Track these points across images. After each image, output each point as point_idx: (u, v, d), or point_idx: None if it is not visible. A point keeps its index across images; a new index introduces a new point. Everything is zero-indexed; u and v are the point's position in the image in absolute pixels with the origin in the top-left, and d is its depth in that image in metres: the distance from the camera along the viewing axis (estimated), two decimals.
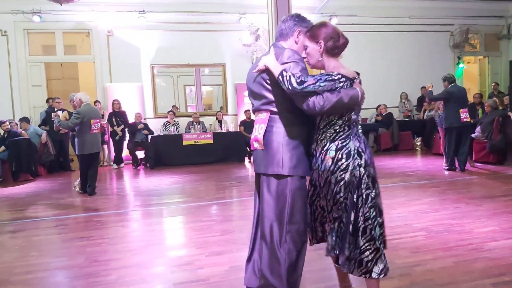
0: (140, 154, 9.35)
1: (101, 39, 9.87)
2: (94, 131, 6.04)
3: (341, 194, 2.03)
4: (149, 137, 9.30)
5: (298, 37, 2.16)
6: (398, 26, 11.43)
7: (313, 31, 2.09)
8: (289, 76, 1.95)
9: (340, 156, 2.02)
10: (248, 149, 9.89)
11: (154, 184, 7.01)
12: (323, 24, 2.10)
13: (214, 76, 10.94)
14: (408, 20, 11.43)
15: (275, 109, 2.10)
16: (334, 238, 2.10)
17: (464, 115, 6.70)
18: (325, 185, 2.08)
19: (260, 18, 10.00)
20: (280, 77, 1.98)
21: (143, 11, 9.71)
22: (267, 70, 2.07)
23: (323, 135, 2.06)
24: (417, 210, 4.43)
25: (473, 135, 7.79)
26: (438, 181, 6.19)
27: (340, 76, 1.99)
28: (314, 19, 2.32)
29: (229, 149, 9.43)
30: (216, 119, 10.17)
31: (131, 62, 10.08)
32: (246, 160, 9.84)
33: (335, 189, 2.04)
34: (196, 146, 9.22)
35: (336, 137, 2.04)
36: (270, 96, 2.10)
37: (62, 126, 6.18)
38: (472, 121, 8.16)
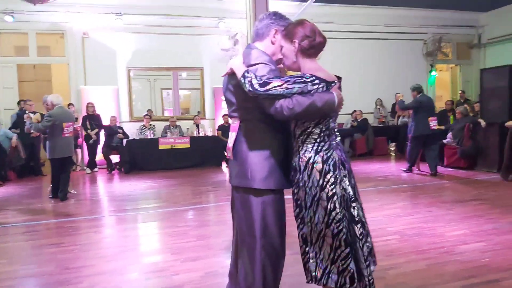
0: (115, 158, 9.19)
1: (76, 41, 9.67)
2: (66, 135, 5.90)
3: (337, 211, 1.84)
4: (124, 141, 9.16)
5: (275, 37, 1.97)
6: (374, 34, 11.66)
7: (288, 30, 1.93)
8: (251, 77, 1.78)
9: (327, 168, 1.85)
10: (225, 153, 9.88)
11: (129, 189, 6.89)
12: (299, 23, 1.92)
13: (192, 80, 10.88)
14: (384, 28, 11.69)
15: (244, 116, 1.95)
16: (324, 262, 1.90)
17: (433, 123, 7.01)
18: (313, 205, 1.87)
19: (238, 23, 10.02)
20: (242, 78, 1.81)
21: (120, 13, 9.59)
22: (233, 74, 1.91)
23: (304, 147, 1.89)
24: (391, 214, 4.51)
25: (444, 141, 8.04)
26: (411, 185, 6.32)
27: (313, 78, 1.82)
28: None
29: (207, 153, 9.38)
30: (194, 123, 10.10)
31: (106, 65, 9.91)
32: (224, 164, 9.79)
33: (329, 206, 1.84)
34: (172, 151, 9.14)
35: (319, 148, 1.88)
36: (237, 102, 1.95)
37: (33, 128, 6.01)
38: (443, 127, 8.47)
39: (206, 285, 2.81)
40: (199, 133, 9.77)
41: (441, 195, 5.66)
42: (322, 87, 1.83)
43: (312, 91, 1.81)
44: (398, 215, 4.46)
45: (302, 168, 1.88)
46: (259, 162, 1.91)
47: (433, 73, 12.35)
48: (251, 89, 1.77)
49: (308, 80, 1.81)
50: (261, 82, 1.77)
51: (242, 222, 2.00)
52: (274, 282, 2.00)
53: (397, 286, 2.65)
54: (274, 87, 1.76)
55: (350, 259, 1.86)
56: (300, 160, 1.90)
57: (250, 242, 1.95)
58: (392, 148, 10.62)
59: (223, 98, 10.68)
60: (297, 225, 1.96)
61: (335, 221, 1.85)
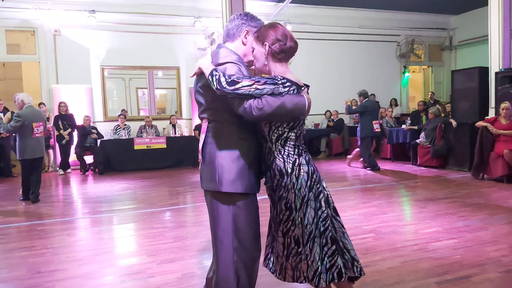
0: (89, 159, 8.99)
1: (47, 38, 9.41)
2: (37, 135, 5.72)
3: (323, 209, 1.91)
4: (99, 141, 8.97)
5: (246, 38, 1.95)
6: (349, 35, 11.84)
7: (260, 32, 1.91)
8: (219, 75, 1.74)
9: (312, 169, 1.90)
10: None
11: (103, 190, 6.75)
12: (272, 26, 1.91)
13: (168, 79, 10.76)
14: (358, 29, 11.88)
15: (213, 117, 1.90)
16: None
17: (376, 126, 7.79)
18: (302, 206, 1.88)
19: (215, 22, 9.99)
20: (209, 77, 1.76)
21: (93, 10, 9.39)
22: (202, 73, 1.87)
23: (286, 151, 1.88)
24: (366, 213, 4.58)
25: (417, 141, 8.26)
26: (385, 184, 6.44)
27: (284, 80, 1.80)
28: None
29: (183, 153, 9.30)
30: (170, 123, 9.99)
31: (79, 63, 9.69)
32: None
33: (316, 205, 1.89)
34: (148, 151, 9.02)
35: (300, 151, 1.90)
36: (205, 103, 1.91)
37: (2, 129, 5.81)
38: (416, 127, 8.71)
39: (183, 287, 2.78)
40: (175, 133, 9.68)
41: (414, 193, 5.79)
42: (293, 90, 1.82)
43: (283, 93, 1.79)
44: (373, 214, 4.53)
45: (290, 170, 1.87)
46: (227, 165, 1.86)
47: (406, 74, 12.64)
48: (219, 88, 1.73)
49: (279, 82, 1.79)
50: (229, 80, 1.72)
51: (213, 226, 1.97)
52: (249, 285, 1.98)
53: (373, 283, 2.69)
54: (243, 86, 1.72)
55: (336, 255, 1.91)
56: (285, 163, 1.88)
57: (223, 246, 1.92)
58: None
59: None
60: (287, 228, 1.92)
61: (321, 219, 1.90)
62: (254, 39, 1.92)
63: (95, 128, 9.16)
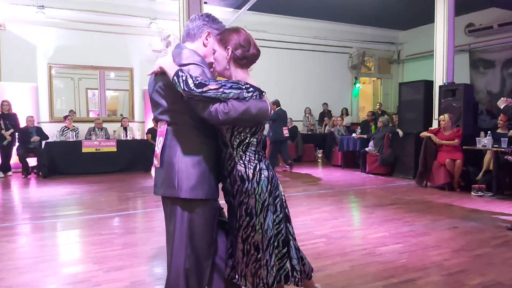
0: (32, 161, 8.50)
1: None
2: None
3: (278, 213, 1.92)
4: (43, 142, 8.51)
5: (207, 39, 1.93)
6: (304, 45, 12.11)
7: (223, 35, 1.90)
8: (186, 76, 1.70)
9: (272, 174, 1.91)
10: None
11: (47, 195, 6.40)
12: (235, 30, 1.91)
13: (121, 80, 10.44)
14: (313, 40, 12.19)
15: (173, 120, 1.85)
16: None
17: (285, 132, 8.66)
18: (263, 211, 1.87)
19: (171, 25, 9.85)
20: (175, 77, 1.71)
21: (42, 6, 8.95)
22: (162, 73, 1.81)
23: (247, 156, 1.87)
24: (318, 218, 4.67)
25: (366, 149, 8.57)
26: (336, 190, 6.61)
27: (248, 85, 1.81)
28: None
29: (135, 157, 9.04)
30: (121, 126, 9.69)
31: (25, 60, 9.19)
32: (153, 170, 9.50)
33: (273, 209, 1.91)
34: (97, 154, 8.67)
35: (260, 156, 1.90)
36: (165, 104, 1.84)
37: None
38: (366, 136, 9.04)
39: None
40: (127, 136, 9.38)
41: (363, 199, 5.99)
42: (256, 95, 1.83)
43: (247, 98, 1.79)
44: (325, 219, 4.62)
45: (251, 176, 1.85)
46: (186, 170, 1.80)
47: (357, 85, 13.12)
48: (186, 89, 1.69)
49: (243, 87, 1.79)
50: (197, 83, 1.69)
51: (168, 231, 1.94)
52: None
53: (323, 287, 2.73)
54: (211, 89, 1.70)
55: (286, 258, 1.95)
56: (247, 169, 1.86)
57: (175, 251, 1.88)
58: (320, 155, 11.07)
59: None
60: (247, 234, 1.89)
61: (275, 222, 1.92)
62: (216, 42, 1.90)
63: (40, 129, 8.69)
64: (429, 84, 7.85)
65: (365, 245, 3.67)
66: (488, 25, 10.31)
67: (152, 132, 9.64)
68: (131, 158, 9.03)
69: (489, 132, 6.39)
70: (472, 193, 6.19)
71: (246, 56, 1.89)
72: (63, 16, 9.36)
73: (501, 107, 4.68)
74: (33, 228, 4.54)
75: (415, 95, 7.99)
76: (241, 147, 1.87)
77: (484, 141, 6.14)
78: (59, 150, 8.44)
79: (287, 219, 2.00)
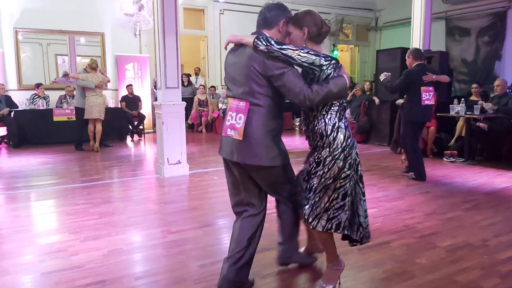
0: (2, 131, 8.20)
1: None
2: None
3: (345, 170, 2.11)
4: (12, 111, 8.19)
5: (282, 27, 2.18)
6: None
7: (297, 18, 2.16)
8: (266, 36, 2.00)
9: (348, 133, 2.12)
10: (130, 126, 9.40)
11: (18, 165, 6.22)
12: (308, 12, 2.17)
13: (92, 46, 10.01)
14: (291, 5, 11.89)
15: (256, 101, 2.10)
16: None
17: None
18: (330, 163, 2.09)
19: None
20: (256, 40, 1.98)
21: None
22: (252, 57, 2.03)
23: (329, 114, 2.10)
24: None
25: None
26: None
27: (326, 55, 2.04)
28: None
29: (109, 126, 8.78)
30: None
31: None
32: (129, 138, 9.34)
33: (342, 165, 2.09)
34: (69, 123, 8.39)
35: (341, 116, 2.13)
36: (256, 88, 2.08)
37: None
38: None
39: (109, 264, 2.67)
40: None
41: None
42: (334, 64, 2.04)
43: (324, 66, 2.01)
44: None
45: (329, 132, 2.09)
46: (267, 144, 2.12)
47: (335, 52, 13.03)
48: (267, 44, 1.95)
49: (321, 55, 2.02)
50: (277, 41, 1.99)
51: (248, 188, 2.28)
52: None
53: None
54: (288, 49, 1.96)
55: (341, 210, 2.15)
56: (326, 126, 2.10)
57: (285, 193, 2.35)
58: (297, 123, 11.10)
59: (127, 67, 9.87)
60: (308, 178, 2.18)
61: (340, 178, 2.11)
62: (291, 24, 2.17)
63: (9, 97, 8.34)
64: (406, 52, 7.82)
65: None
66: None
67: (126, 100, 9.41)
68: (105, 127, 8.78)
69: (462, 99, 6.52)
70: (444, 159, 6.37)
71: (321, 33, 2.18)
72: None
73: (381, 80, 5.14)
74: (6, 199, 4.42)
75: (392, 63, 8.00)
76: (324, 108, 2.11)
77: (457, 108, 6.27)
78: (29, 119, 8.14)
79: (359, 179, 2.21)
